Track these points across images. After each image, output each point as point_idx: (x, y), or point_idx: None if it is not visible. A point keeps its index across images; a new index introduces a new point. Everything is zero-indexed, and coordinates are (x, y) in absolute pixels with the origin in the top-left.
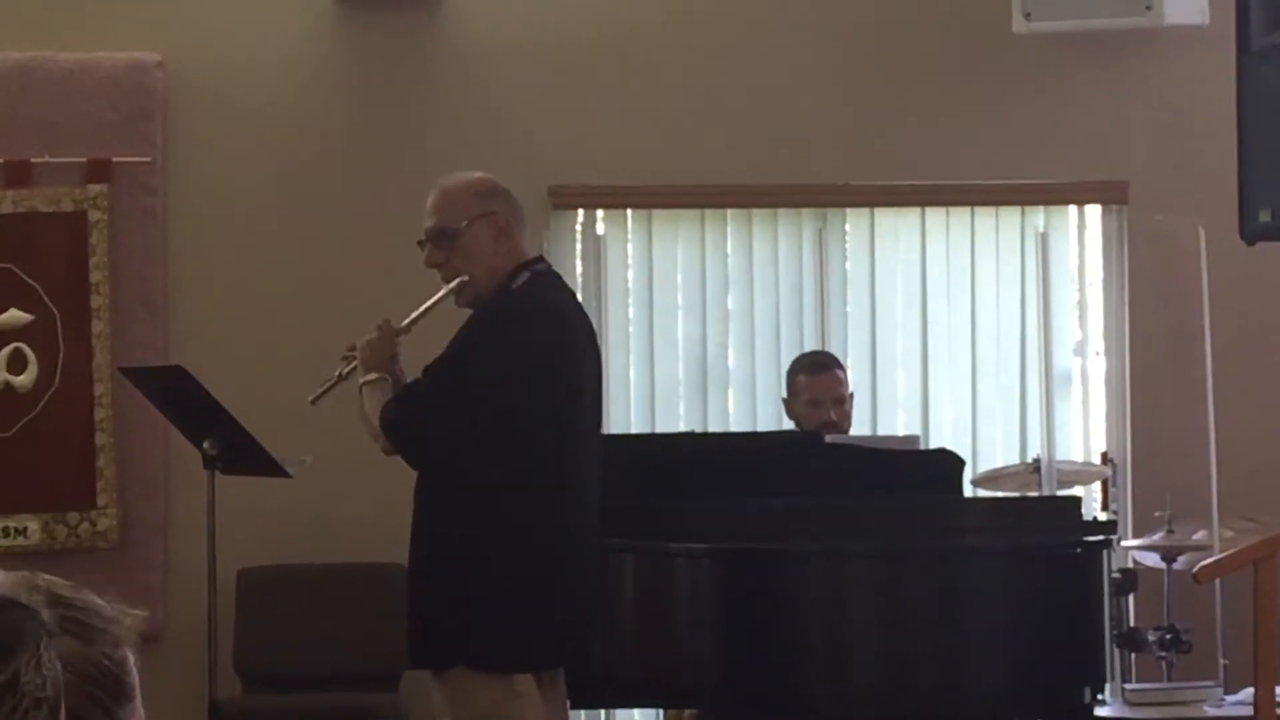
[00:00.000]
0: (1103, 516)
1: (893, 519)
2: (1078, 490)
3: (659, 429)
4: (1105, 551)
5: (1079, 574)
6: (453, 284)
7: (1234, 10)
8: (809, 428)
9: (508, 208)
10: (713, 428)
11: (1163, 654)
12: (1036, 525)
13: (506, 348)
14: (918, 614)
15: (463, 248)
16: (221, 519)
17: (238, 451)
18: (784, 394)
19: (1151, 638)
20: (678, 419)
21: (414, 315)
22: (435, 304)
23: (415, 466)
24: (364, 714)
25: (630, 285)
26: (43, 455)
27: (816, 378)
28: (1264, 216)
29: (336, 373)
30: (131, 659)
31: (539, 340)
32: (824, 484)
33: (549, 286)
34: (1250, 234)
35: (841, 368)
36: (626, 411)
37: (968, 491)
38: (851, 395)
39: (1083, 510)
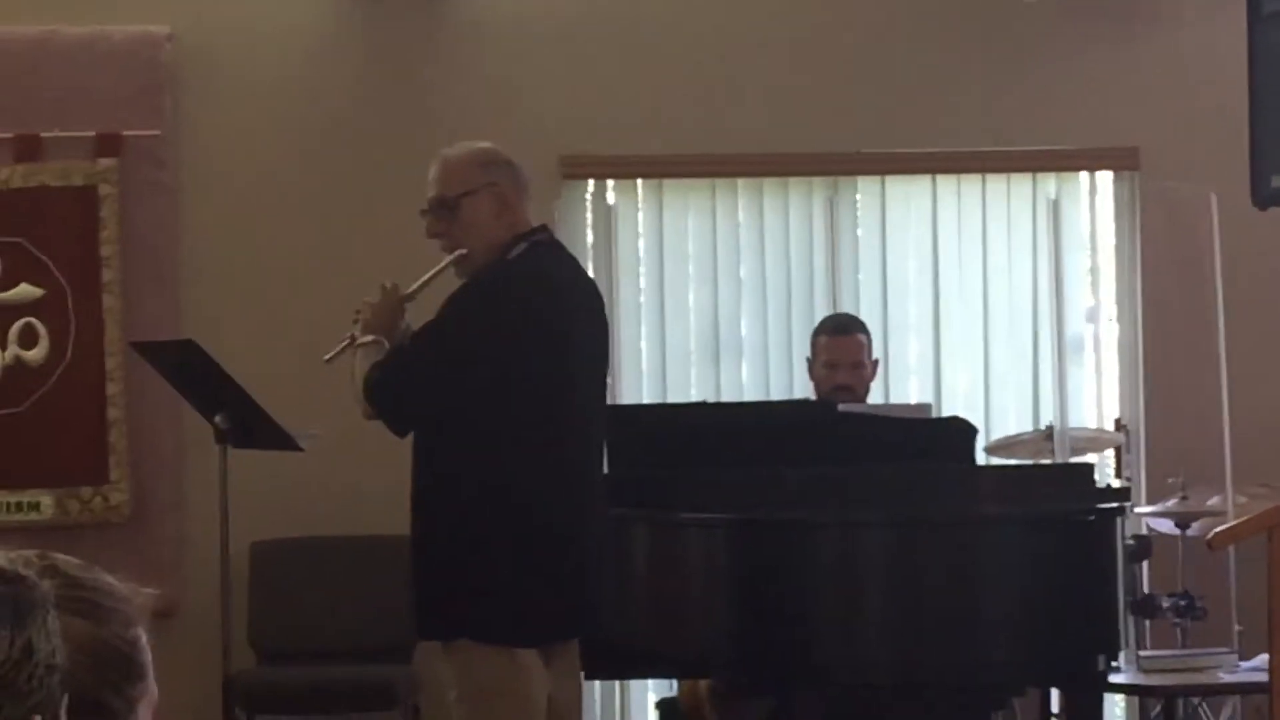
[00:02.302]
0: (1116, 483)
1: (906, 488)
2: (1091, 457)
3: (671, 399)
4: (1119, 519)
5: (1092, 542)
6: (452, 256)
7: None
8: (824, 389)
9: (510, 179)
10: (725, 397)
11: (1177, 621)
12: (1050, 493)
13: (493, 316)
14: (931, 583)
15: (462, 219)
16: (234, 492)
17: (250, 425)
18: (808, 354)
19: (1165, 604)
20: (690, 388)
21: (419, 283)
22: (438, 273)
23: (395, 431)
24: (378, 686)
25: (641, 255)
26: (55, 430)
27: (835, 339)
28: (1276, 182)
29: (350, 334)
30: (144, 638)
31: (528, 308)
32: (837, 452)
33: (545, 256)
34: (1262, 199)
35: (865, 332)
36: (638, 381)
37: (980, 459)
38: (876, 362)
39: (1096, 477)
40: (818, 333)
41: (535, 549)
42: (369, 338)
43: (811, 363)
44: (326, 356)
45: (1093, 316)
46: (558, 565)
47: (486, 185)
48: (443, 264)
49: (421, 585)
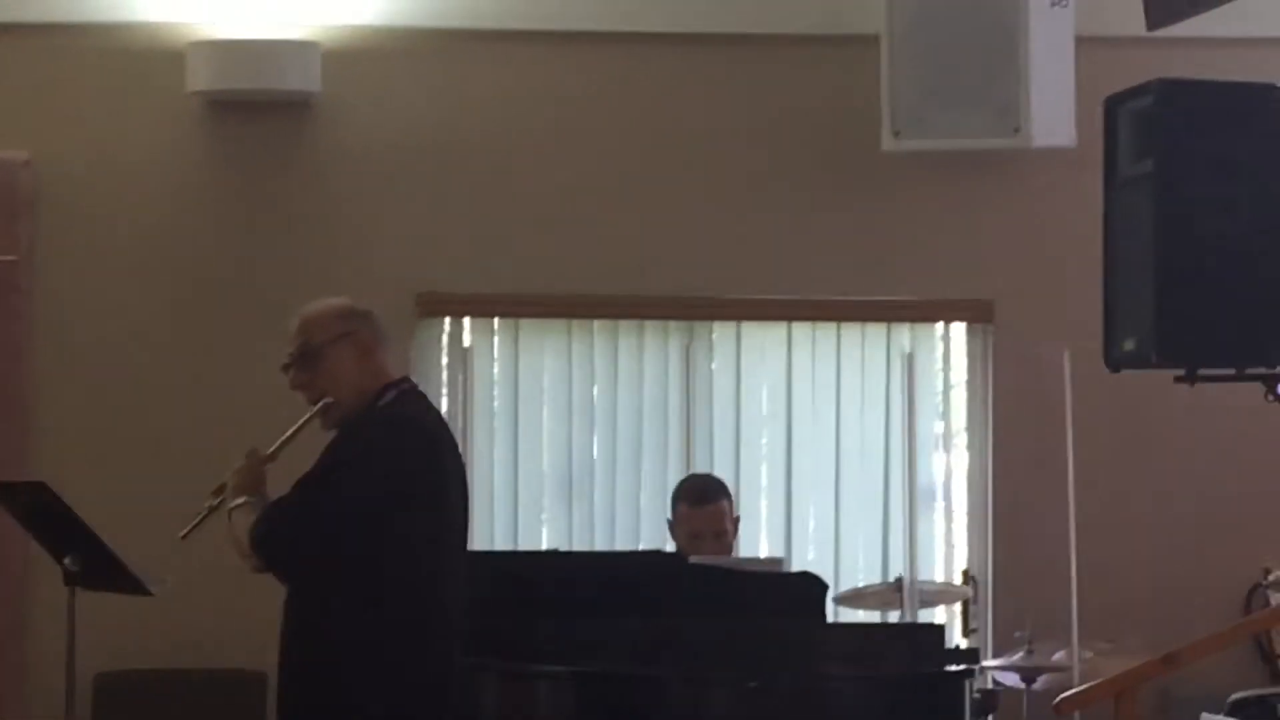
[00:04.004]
0: (962, 641)
1: (756, 645)
2: (939, 609)
3: (522, 538)
4: (967, 681)
5: (941, 703)
6: (317, 406)
7: (1102, 135)
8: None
9: (370, 328)
10: (577, 539)
11: None
12: (899, 654)
13: (374, 463)
14: None
15: (326, 369)
16: (80, 620)
17: (99, 568)
18: (669, 515)
19: None
20: (541, 529)
21: (280, 441)
22: (301, 428)
23: (286, 581)
24: None
25: (496, 394)
26: None
27: (698, 510)
28: (1128, 345)
29: (207, 505)
30: None
31: (406, 456)
32: (688, 605)
33: (414, 404)
34: (1114, 362)
35: (727, 496)
36: (490, 521)
37: (830, 611)
38: (738, 520)
39: (945, 637)
40: (678, 499)
41: (403, 696)
42: (240, 500)
43: (673, 527)
44: (181, 534)
45: (944, 444)
46: (424, 713)
47: (347, 334)
48: (307, 416)
49: None
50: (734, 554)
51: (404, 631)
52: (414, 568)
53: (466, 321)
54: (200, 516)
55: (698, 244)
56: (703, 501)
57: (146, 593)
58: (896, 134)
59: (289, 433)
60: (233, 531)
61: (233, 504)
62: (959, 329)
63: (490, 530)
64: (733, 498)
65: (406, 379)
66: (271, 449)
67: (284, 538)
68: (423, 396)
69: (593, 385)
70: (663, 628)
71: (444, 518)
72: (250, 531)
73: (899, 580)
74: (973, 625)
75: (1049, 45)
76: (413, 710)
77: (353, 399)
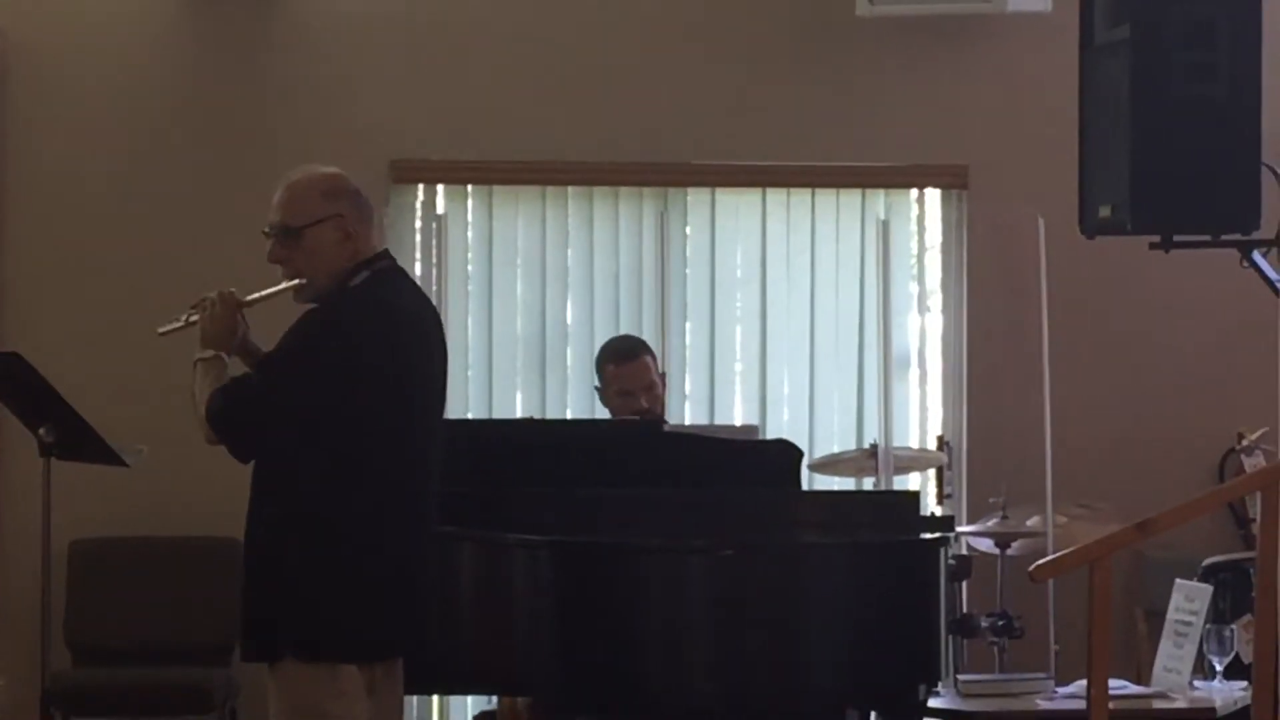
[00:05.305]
0: (937, 508)
1: (731, 513)
2: (914, 475)
3: (496, 408)
4: (942, 549)
5: (916, 571)
6: (291, 283)
7: (1077, 0)
8: (622, 416)
9: (355, 208)
10: (550, 408)
11: (995, 640)
12: (874, 521)
13: (334, 347)
14: (755, 609)
15: (305, 248)
16: (55, 488)
17: (74, 439)
18: (595, 384)
19: (984, 624)
20: (515, 397)
21: (258, 295)
22: (278, 293)
23: (238, 459)
24: (195, 689)
25: (470, 260)
26: None
27: (624, 367)
28: (1104, 211)
29: (184, 317)
30: None
31: (368, 339)
32: (663, 474)
33: (385, 284)
34: (1090, 228)
35: (650, 353)
36: (464, 387)
37: (805, 479)
38: (664, 376)
39: (920, 505)
40: (603, 361)
41: (365, 574)
42: (208, 353)
43: (602, 392)
44: (161, 330)
45: (920, 307)
46: (388, 588)
47: (332, 216)
48: (282, 286)
49: (251, 607)
50: (664, 409)
51: (365, 509)
52: (376, 449)
53: (440, 188)
54: (178, 324)
55: (671, 109)
56: (629, 357)
57: (121, 463)
58: None
59: (267, 291)
60: (194, 387)
61: (199, 355)
62: (934, 195)
63: (464, 397)
64: (655, 356)
65: (384, 255)
66: (248, 298)
67: (236, 419)
68: (399, 274)
69: (567, 252)
70: (637, 496)
71: (410, 398)
72: (207, 404)
73: (874, 446)
74: (947, 491)
75: None
76: (375, 584)
77: (325, 280)
